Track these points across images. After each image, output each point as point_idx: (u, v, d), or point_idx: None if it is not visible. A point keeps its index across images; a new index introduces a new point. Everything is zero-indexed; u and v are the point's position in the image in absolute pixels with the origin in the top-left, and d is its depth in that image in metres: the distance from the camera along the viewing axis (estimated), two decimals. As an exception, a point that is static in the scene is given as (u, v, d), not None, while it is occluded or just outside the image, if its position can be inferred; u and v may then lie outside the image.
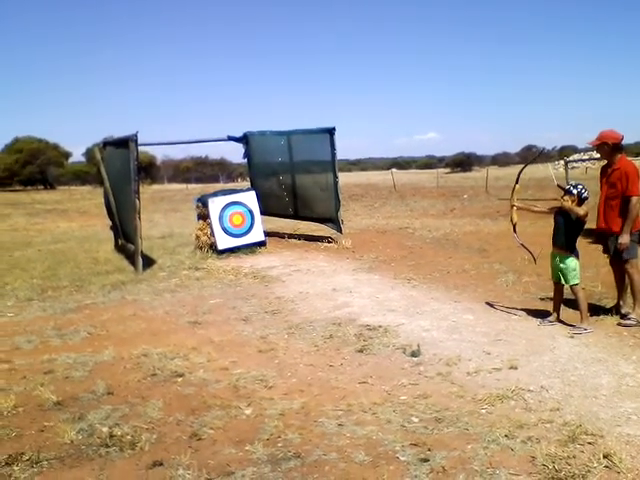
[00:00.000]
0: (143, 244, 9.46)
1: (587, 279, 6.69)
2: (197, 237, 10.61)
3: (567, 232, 5.41)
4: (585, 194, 5.33)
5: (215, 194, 10.83)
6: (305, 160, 11.94)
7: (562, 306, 5.64)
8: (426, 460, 3.14)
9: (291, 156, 12.00)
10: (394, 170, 46.90)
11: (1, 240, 15.00)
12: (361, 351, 5.00)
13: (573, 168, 27.65)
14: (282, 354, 5.04)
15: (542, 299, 6.40)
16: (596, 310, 5.78)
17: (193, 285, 8.08)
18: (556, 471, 2.96)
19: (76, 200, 34.39)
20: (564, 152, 42.38)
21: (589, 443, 3.24)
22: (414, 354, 4.81)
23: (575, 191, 5.33)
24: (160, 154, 66.51)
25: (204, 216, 10.55)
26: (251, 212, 10.59)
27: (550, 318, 5.56)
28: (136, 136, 9.03)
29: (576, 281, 5.43)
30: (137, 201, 9.05)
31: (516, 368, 4.42)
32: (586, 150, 35.95)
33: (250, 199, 10.71)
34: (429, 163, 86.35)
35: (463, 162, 71.06)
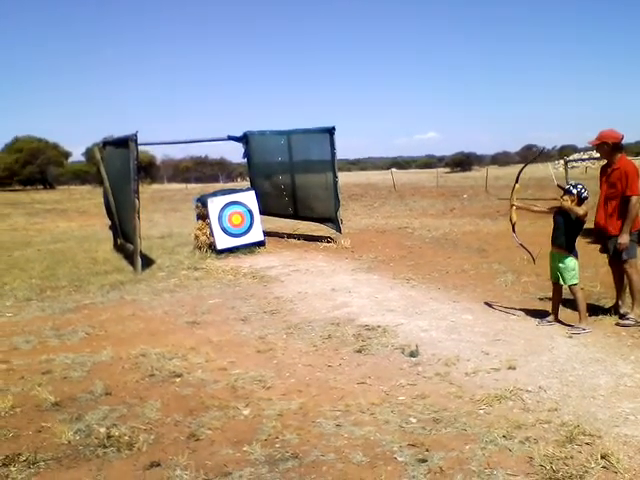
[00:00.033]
0: (142, 244, 9.45)
1: (586, 279, 6.68)
2: (196, 237, 10.60)
3: (566, 232, 5.40)
4: (585, 194, 5.32)
5: (214, 194, 10.82)
6: (305, 160, 11.94)
7: (561, 306, 5.64)
8: (424, 460, 3.14)
9: (291, 156, 11.99)
10: (394, 170, 46.92)
11: (0, 240, 15.00)
12: (360, 351, 5.00)
13: (573, 168, 27.65)
14: (281, 354, 5.04)
15: (541, 299, 6.40)
16: (595, 310, 5.78)
17: (192, 285, 8.08)
18: (554, 472, 2.96)
19: (75, 200, 34.41)
20: (564, 152, 42.39)
21: (587, 443, 3.23)
22: (412, 354, 4.81)
23: (575, 191, 5.33)
24: (160, 154, 66.77)
25: (203, 216, 10.54)
26: (250, 212, 10.58)
27: (549, 318, 5.56)
28: (136, 136, 9.02)
29: (575, 281, 5.43)
30: (136, 201, 9.04)
31: (514, 368, 4.42)
32: (586, 150, 35.93)
33: (249, 199, 10.71)
34: (429, 163, 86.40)
35: (463, 162, 71.09)
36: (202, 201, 10.64)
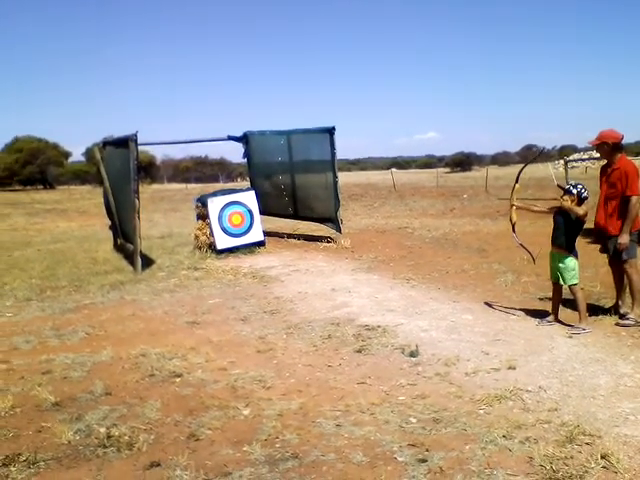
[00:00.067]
0: (142, 244, 9.45)
1: (586, 279, 6.68)
2: (196, 237, 10.61)
3: (567, 232, 5.40)
4: (585, 194, 5.32)
5: (214, 194, 10.82)
6: (305, 160, 11.94)
7: (561, 306, 5.64)
8: (424, 461, 3.14)
9: (291, 156, 11.99)
10: (394, 170, 46.91)
11: (0, 240, 15.00)
12: (360, 351, 5.00)
13: (573, 168, 27.65)
14: (281, 354, 5.04)
15: (541, 299, 6.40)
16: (595, 310, 5.78)
17: (192, 285, 8.08)
18: (554, 472, 2.96)
19: (75, 200, 34.40)
20: (564, 152, 42.39)
21: (587, 443, 3.23)
22: (412, 354, 4.81)
23: (575, 191, 5.33)
24: (160, 154, 66.77)
25: (203, 216, 10.54)
26: (250, 212, 10.58)
27: (549, 318, 5.56)
28: (136, 136, 9.03)
29: (575, 281, 5.43)
30: (136, 201, 9.04)
31: (514, 368, 4.42)
32: (586, 150, 35.94)
33: (249, 199, 10.71)
34: (429, 163, 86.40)
35: (463, 162, 71.10)
36: (202, 201, 10.64)
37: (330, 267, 9.02)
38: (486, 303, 6.40)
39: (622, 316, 5.48)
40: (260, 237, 10.75)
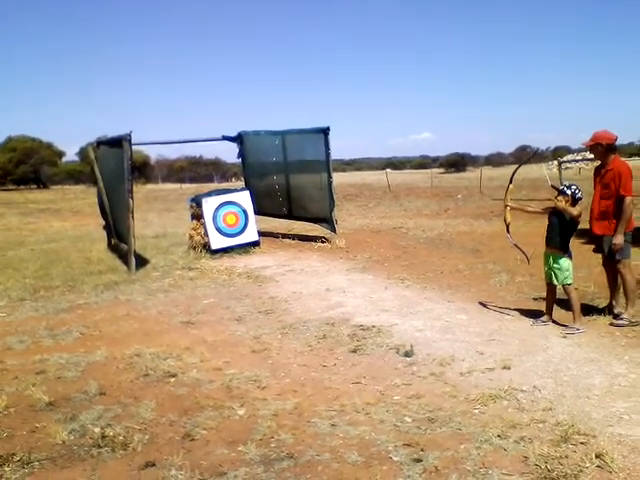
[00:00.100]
0: (136, 244, 9.42)
1: (580, 279, 6.71)
2: (191, 237, 10.59)
3: (561, 232, 5.42)
4: (579, 194, 5.35)
5: (209, 194, 10.81)
6: (299, 160, 11.94)
7: (555, 306, 5.66)
8: (419, 460, 3.14)
9: (285, 156, 11.99)
10: (388, 170, 47.01)
11: (-6, 240, 14.92)
12: (354, 351, 5.00)
13: (566, 169, 27.78)
14: (275, 354, 5.03)
15: (535, 299, 6.42)
16: (589, 310, 5.80)
17: (186, 285, 8.07)
18: (548, 471, 2.97)
19: (69, 200, 34.28)
20: (558, 153, 42.60)
21: (581, 443, 3.25)
22: (407, 354, 4.81)
23: (569, 191, 5.35)
24: (154, 153, 66.67)
25: (198, 216, 10.53)
26: (245, 212, 10.57)
27: (543, 318, 5.57)
28: (130, 135, 9.00)
29: (569, 281, 5.44)
30: (130, 200, 9.02)
31: (509, 368, 4.43)
32: (579, 151, 36.12)
33: (244, 199, 10.70)
34: (423, 163, 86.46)
35: (457, 162, 71.28)
36: (196, 201, 10.63)
37: (325, 267, 9.02)
38: (481, 303, 6.41)
39: (616, 316, 5.50)
40: (255, 237, 10.74)
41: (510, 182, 5.85)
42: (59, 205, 29.78)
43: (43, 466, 3.25)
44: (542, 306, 5.80)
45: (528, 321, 5.63)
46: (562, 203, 5.35)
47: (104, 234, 12.29)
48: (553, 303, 5.63)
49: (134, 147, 9.35)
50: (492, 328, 5.47)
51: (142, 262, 9.54)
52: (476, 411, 3.72)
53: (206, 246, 10.25)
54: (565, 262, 5.42)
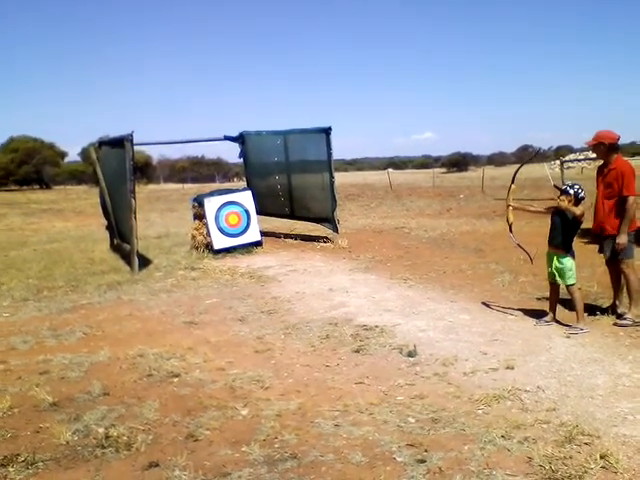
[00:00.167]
0: (139, 244, 9.43)
1: (583, 279, 6.69)
2: (193, 237, 10.60)
3: (564, 232, 5.41)
4: (582, 194, 5.34)
5: (211, 194, 10.82)
6: (301, 160, 11.94)
7: (558, 306, 5.65)
8: (423, 461, 3.13)
9: (287, 156, 11.99)
10: (390, 170, 46.93)
11: (-4, 240, 14.94)
12: (357, 351, 5.00)
13: (569, 168, 27.76)
14: (278, 354, 5.03)
15: (538, 299, 6.41)
16: (592, 310, 5.79)
17: (189, 285, 8.07)
18: (553, 472, 2.96)
19: (72, 200, 34.31)
20: (560, 152, 42.51)
21: (586, 443, 3.24)
22: (410, 354, 4.81)
23: (572, 191, 5.34)
24: (156, 154, 66.86)
25: (200, 216, 10.53)
26: (247, 212, 10.57)
27: (546, 318, 5.56)
28: (132, 136, 9.01)
29: (572, 281, 5.44)
30: (133, 201, 9.03)
31: (512, 368, 4.43)
32: (582, 150, 36.06)
33: (246, 199, 10.70)
34: (425, 163, 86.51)
35: (459, 162, 71.27)
36: (199, 201, 10.64)
37: (327, 267, 9.02)
38: (484, 303, 6.40)
39: (619, 316, 5.50)
40: (257, 237, 10.74)
41: (512, 182, 5.85)
42: (61, 205, 29.81)
43: (47, 466, 3.26)
44: (545, 306, 5.79)
45: (531, 321, 5.63)
46: (565, 203, 5.34)
47: (107, 234, 12.30)
48: (556, 303, 5.62)
49: (136, 147, 9.38)
50: (495, 328, 5.47)
51: (145, 262, 9.55)
52: (480, 411, 3.72)
53: (208, 246, 10.26)
54: (568, 262, 5.42)
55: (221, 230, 10.29)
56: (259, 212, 11.18)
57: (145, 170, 56.11)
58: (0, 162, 52.86)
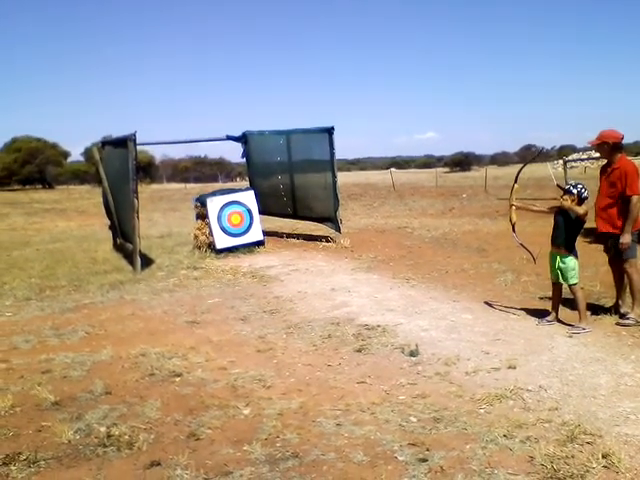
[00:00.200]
0: (141, 243, 9.45)
1: (586, 279, 6.68)
2: (195, 237, 10.60)
3: (567, 231, 5.41)
4: (585, 194, 5.33)
5: (214, 193, 10.82)
6: (304, 159, 11.94)
7: (561, 305, 5.64)
8: (424, 460, 3.13)
9: (290, 156, 11.99)
10: (393, 169, 46.84)
11: (-1, 239, 14.98)
12: (359, 351, 4.99)
13: (572, 168, 27.70)
14: (280, 354, 5.03)
15: (541, 298, 6.40)
16: (595, 309, 5.78)
17: (191, 285, 8.08)
18: (555, 471, 2.96)
19: (74, 199, 34.41)
20: (563, 152, 42.41)
21: (588, 443, 3.23)
22: (412, 354, 4.80)
23: (575, 191, 5.33)
24: (159, 154, 66.85)
25: (202, 215, 10.54)
26: (250, 212, 10.58)
27: (549, 317, 5.56)
28: (134, 136, 9.02)
29: (575, 280, 5.43)
30: (135, 200, 9.04)
31: (515, 368, 4.42)
32: (585, 150, 35.97)
33: (249, 198, 10.70)
34: (428, 162, 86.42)
35: (462, 161, 71.15)
36: (201, 201, 10.64)
37: (330, 267, 9.01)
38: (486, 302, 6.40)
39: (622, 315, 5.49)
40: (259, 237, 10.74)
41: (515, 181, 5.84)
42: (64, 205, 29.89)
43: (49, 465, 3.26)
44: (548, 305, 5.78)
45: (534, 321, 5.62)
46: (568, 202, 5.33)
47: (109, 234, 12.32)
48: (559, 303, 5.61)
49: (139, 147, 9.38)
50: (497, 328, 5.46)
51: (147, 262, 9.56)
52: (482, 411, 3.71)
53: (211, 246, 10.26)
54: (571, 261, 5.41)
55: (223, 230, 10.30)
56: (261, 212, 11.18)
57: (148, 170, 56.23)
58: (3, 162, 53.06)
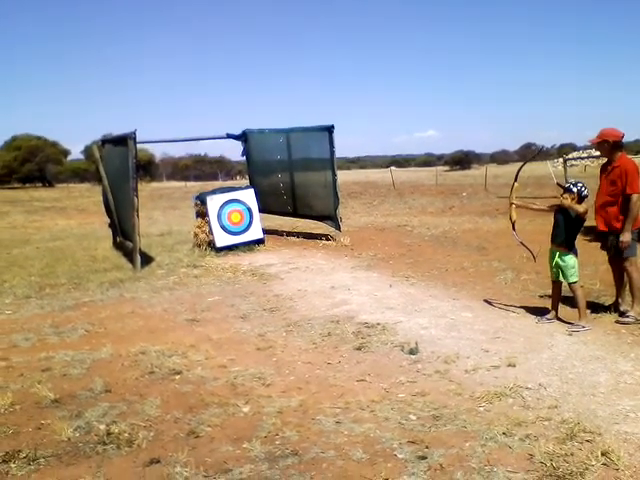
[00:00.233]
0: (141, 242, 9.45)
1: (586, 277, 6.68)
2: (195, 235, 10.61)
3: (566, 230, 5.40)
4: (585, 192, 5.33)
5: (214, 192, 10.82)
6: (304, 158, 11.94)
7: (560, 304, 5.64)
8: (424, 457, 3.13)
9: (290, 154, 11.99)
10: (393, 168, 46.90)
11: (-1, 238, 14.98)
12: (359, 349, 4.99)
13: (572, 166, 27.71)
14: (280, 352, 5.03)
15: (541, 297, 6.40)
16: (594, 308, 5.78)
17: (191, 283, 8.08)
18: (554, 469, 2.96)
19: (74, 198, 34.37)
20: (563, 150, 42.42)
21: (587, 441, 3.23)
22: (412, 352, 4.80)
23: (575, 189, 5.33)
24: (159, 152, 66.81)
25: (203, 214, 10.54)
26: (250, 210, 10.58)
27: (548, 316, 5.56)
28: (134, 134, 9.01)
29: (575, 279, 5.43)
30: (135, 199, 9.03)
31: (514, 366, 4.42)
32: (585, 148, 35.98)
33: (249, 197, 10.71)
34: (428, 161, 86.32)
35: (462, 160, 71.09)
36: (201, 199, 10.64)
37: (329, 265, 9.01)
38: (486, 301, 6.40)
39: (622, 314, 5.49)
40: (259, 235, 10.75)
41: (515, 180, 5.84)
42: (64, 203, 29.86)
43: (49, 463, 3.26)
44: (547, 304, 5.78)
45: (533, 319, 5.62)
46: (568, 201, 5.33)
47: (109, 232, 12.31)
48: (559, 301, 5.61)
49: (139, 145, 9.38)
50: (497, 326, 5.46)
51: (147, 260, 9.56)
52: (481, 409, 3.72)
53: (211, 244, 10.27)
54: (571, 259, 5.41)
55: (223, 228, 10.30)
56: (261, 210, 11.18)
57: (148, 168, 56.20)
58: (3, 160, 52.98)
